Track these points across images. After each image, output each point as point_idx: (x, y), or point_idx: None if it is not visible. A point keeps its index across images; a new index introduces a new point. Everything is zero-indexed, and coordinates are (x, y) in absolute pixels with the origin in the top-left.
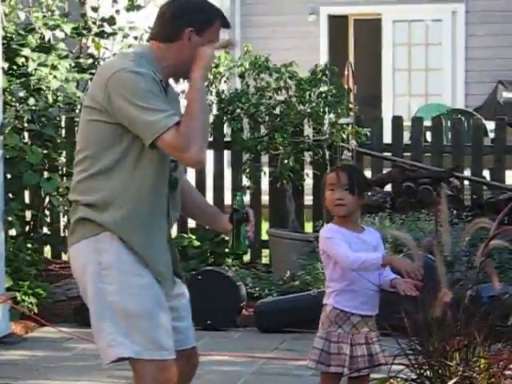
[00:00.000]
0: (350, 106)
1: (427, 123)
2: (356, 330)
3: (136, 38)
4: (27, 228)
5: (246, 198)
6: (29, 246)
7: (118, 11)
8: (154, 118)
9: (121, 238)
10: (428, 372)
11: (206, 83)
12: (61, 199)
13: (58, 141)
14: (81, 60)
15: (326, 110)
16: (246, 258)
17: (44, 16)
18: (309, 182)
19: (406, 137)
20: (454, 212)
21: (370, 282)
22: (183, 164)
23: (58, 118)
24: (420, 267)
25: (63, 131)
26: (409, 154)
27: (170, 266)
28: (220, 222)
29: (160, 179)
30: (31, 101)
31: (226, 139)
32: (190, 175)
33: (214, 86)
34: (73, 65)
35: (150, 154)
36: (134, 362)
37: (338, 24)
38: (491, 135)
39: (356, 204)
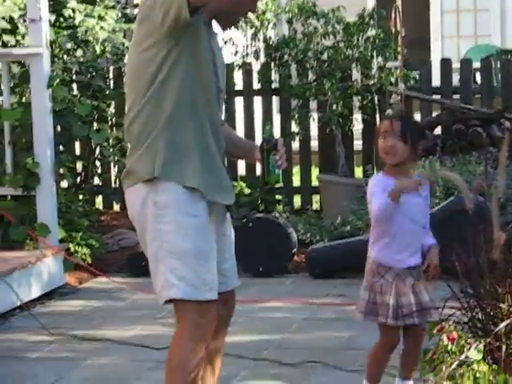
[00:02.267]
0: (398, 49)
1: (476, 65)
2: (400, 279)
3: None
4: (78, 179)
5: (296, 145)
6: (80, 197)
7: None
8: None
9: (176, 174)
10: (480, 315)
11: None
12: (111, 150)
13: (107, 92)
14: (127, 10)
15: (374, 54)
16: (297, 204)
17: None
18: (358, 127)
19: (456, 79)
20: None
21: (413, 235)
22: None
23: (105, 69)
24: (420, 180)
25: (111, 82)
26: (458, 96)
27: (229, 188)
28: (253, 154)
29: (201, 99)
30: (79, 52)
31: (274, 86)
32: (239, 123)
33: (261, 32)
34: (120, 15)
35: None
36: (179, 304)
37: None
38: None
39: (408, 153)
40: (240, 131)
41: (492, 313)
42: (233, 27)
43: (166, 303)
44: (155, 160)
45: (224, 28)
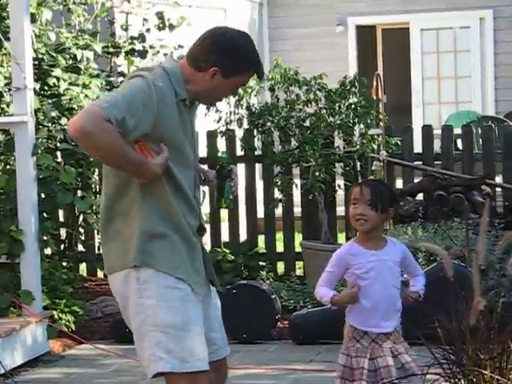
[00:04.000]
0: (380, 116)
1: (458, 131)
2: (376, 344)
3: (166, 54)
4: (62, 246)
5: (278, 211)
6: (64, 264)
7: (148, 30)
8: (107, 98)
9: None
10: (462, 381)
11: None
12: (95, 217)
13: (91, 159)
14: (112, 78)
15: (356, 121)
16: (280, 270)
17: (74, 36)
18: (340, 193)
19: (437, 145)
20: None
21: (387, 300)
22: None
23: None
24: (354, 293)
25: None
26: (440, 162)
27: (202, 271)
28: (211, 179)
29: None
30: (63, 120)
31: (256, 153)
32: None
33: (244, 99)
34: (104, 83)
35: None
36: (169, 377)
37: (365, 34)
38: None
39: (379, 220)
40: None
41: (474, 379)
42: None
43: (154, 377)
44: (133, 253)
45: (205, 104)
